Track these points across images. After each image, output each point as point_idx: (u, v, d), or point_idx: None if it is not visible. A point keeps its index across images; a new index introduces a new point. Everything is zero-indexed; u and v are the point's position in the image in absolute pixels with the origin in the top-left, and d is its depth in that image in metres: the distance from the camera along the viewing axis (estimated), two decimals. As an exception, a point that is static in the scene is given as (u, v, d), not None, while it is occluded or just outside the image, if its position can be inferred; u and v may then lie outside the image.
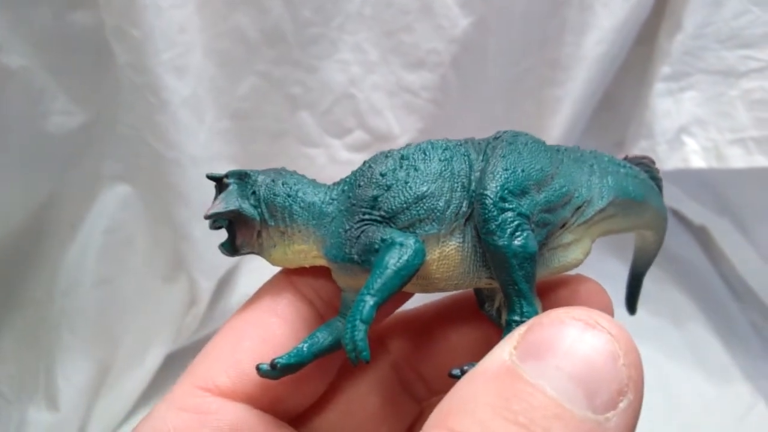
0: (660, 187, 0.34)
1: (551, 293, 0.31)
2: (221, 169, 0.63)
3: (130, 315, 0.69)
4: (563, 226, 0.28)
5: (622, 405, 0.20)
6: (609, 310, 0.31)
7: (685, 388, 0.69)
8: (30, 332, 0.68)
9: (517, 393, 0.20)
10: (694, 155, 0.60)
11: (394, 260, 0.25)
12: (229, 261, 0.67)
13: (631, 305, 0.39)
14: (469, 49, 0.60)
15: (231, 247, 0.30)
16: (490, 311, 0.31)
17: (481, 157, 0.28)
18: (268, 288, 0.31)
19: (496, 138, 0.29)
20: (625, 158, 0.33)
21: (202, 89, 0.59)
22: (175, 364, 0.69)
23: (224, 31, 0.59)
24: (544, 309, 0.30)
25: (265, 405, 0.28)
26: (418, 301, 0.35)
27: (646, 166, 0.33)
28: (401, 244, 0.25)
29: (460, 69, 0.61)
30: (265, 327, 0.29)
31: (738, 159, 0.59)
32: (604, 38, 0.60)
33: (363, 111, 0.63)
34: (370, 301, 0.24)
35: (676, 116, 0.60)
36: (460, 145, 0.29)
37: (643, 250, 0.37)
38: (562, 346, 0.21)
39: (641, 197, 0.32)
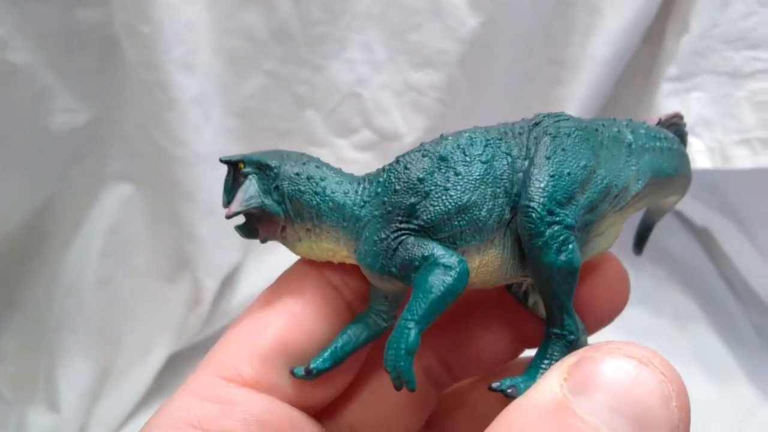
0: (684, 140, 0.33)
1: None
2: (226, 168, 0.63)
3: (132, 315, 0.68)
4: (602, 218, 0.28)
5: None
6: (624, 298, 0.31)
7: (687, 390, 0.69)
8: (31, 333, 0.67)
9: (571, 429, 0.20)
10: (700, 155, 0.60)
11: (438, 284, 0.24)
12: (234, 260, 0.66)
13: (639, 248, 0.38)
14: (477, 49, 0.61)
15: (249, 232, 0.29)
16: (518, 292, 0.31)
17: (523, 154, 0.27)
18: (293, 273, 0.30)
19: (536, 124, 0.28)
20: (659, 122, 0.32)
21: (210, 87, 0.59)
22: (177, 364, 0.69)
23: (232, 28, 0.59)
24: None
25: (290, 397, 0.28)
26: None
27: (676, 125, 0.32)
28: (446, 266, 0.24)
29: (468, 68, 0.61)
30: (290, 314, 0.28)
31: (744, 160, 0.59)
32: (612, 40, 0.61)
33: (370, 110, 0.63)
34: (414, 329, 0.23)
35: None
36: (500, 139, 0.27)
37: (662, 207, 0.36)
38: (616, 384, 0.20)
39: (674, 171, 0.31)
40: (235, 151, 0.65)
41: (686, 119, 0.32)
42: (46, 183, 0.63)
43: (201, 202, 0.62)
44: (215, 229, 0.63)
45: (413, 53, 0.61)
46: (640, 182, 0.28)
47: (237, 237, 0.70)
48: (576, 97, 0.64)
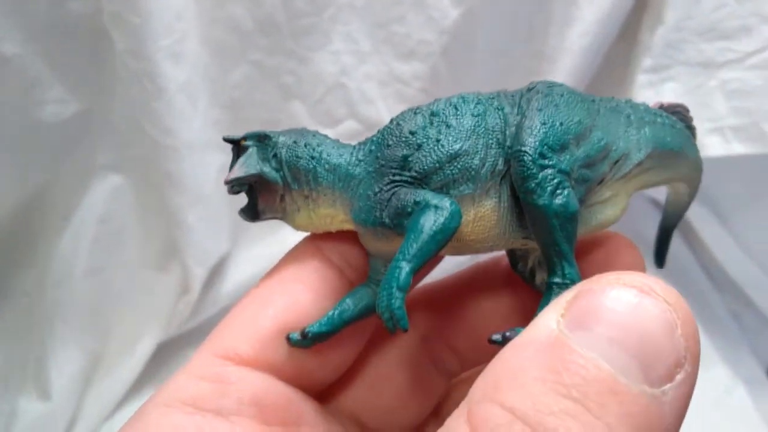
0: (694, 136, 0.33)
1: (582, 253, 0.30)
2: (214, 157, 0.64)
3: (122, 305, 0.69)
4: (601, 181, 0.27)
5: (678, 378, 0.19)
6: (642, 270, 0.30)
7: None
8: (21, 322, 0.67)
9: (569, 366, 0.19)
10: (675, 144, 0.62)
11: (429, 224, 0.24)
12: (223, 248, 0.67)
13: (660, 260, 0.37)
14: (459, 40, 0.62)
15: (252, 212, 0.29)
16: (524, 271, 0.30)
17: (516, 111, 0.26)
18: (294, 254, 0.29)
19: (529, 89, 0.28)
20: (661, 107, 0.31)
21: (197, 77, 0.60)
22: (166, 352, 0.70)
23: (219, 19, 0.60)
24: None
25: (289, 376, 0.27)
26: (445, 270, 0.34)
27: (680, 114, 0.32)
28: (437, 207, 0.24)
29: (450, 59, 0.63)
30: (290, 294, 0.28)
31: (716, 147, 0.60)
32: (588, 31, 0.62)
33: (354, 100, 0.64)
34: (405, 267, 0.23)
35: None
36: (493, 98, 0.27)
37: (675, 204, 0.36)
38: (615, 315, 0.19)
39: (679, 148, 0.30)
40: (221, 140, 0.66)
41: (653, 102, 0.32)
42: (37, 173, 0.63)
43: (190, 191, 0.62)
44: (204, 218, 0.64)
45: (397, 44, 0.62)
46: (641, 152, 0.28)
47: (226, 225, 0.71)
48: (554, 85, 0.66)
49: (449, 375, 0.34)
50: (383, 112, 0.65)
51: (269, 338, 0.27)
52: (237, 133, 0.63)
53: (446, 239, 0.24)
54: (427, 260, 0.24)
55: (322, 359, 0.28)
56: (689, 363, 0.19)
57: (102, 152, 0.64)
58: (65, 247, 0.67)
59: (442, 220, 0.24)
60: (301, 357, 0.27)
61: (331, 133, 0.66)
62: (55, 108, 0.60)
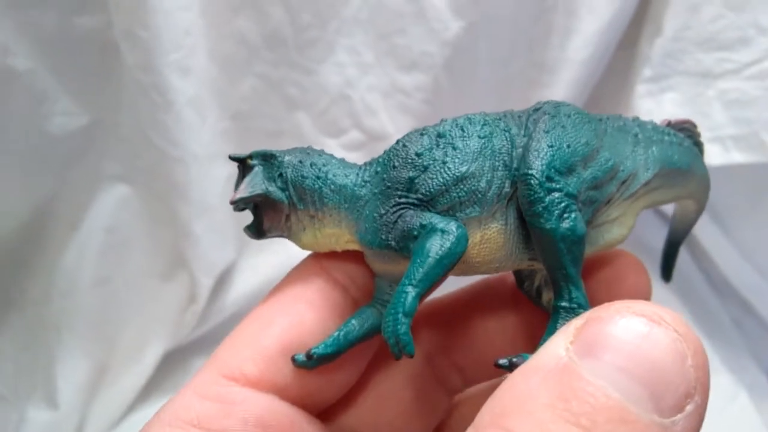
0: (702, 152, 0.33)
1: (590, 272, 0.30)
2: (221, 168, 0.65)
3: (128, 314, 0.70)
4: (609, 201, 0.27)
5: (689, 408, 0.19)
6: (648, 290, 0.30)
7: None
8: (29, 332, 0.68)
9: (578, 393, 0.18)
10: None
11: (435, 248, 0.24)
12: (229, 258, 0.68)
13: (667, 274, 0.38)
14: (460, 52, 0.63)
15: (258, 230, 0.29)
16: (530, 290, 0.30)
17: (522, 132, 0.26)
18: (298, 273, 0.29)
19: (536, 110, 0.28)
20: (668, 124, 0.31)
21: (205, 90, 0.61)
22: (173, 361, 0.70)
23: (227, 34, 0.61)
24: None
25: (293, 396, 0.27)
26: (450, 283, 0.33)
27: (688, 131, 0.32)
28: (443, 231, 0.24)
29: (452, 71, 0.64)
30: (295, 314, 0.28)
31: (716, 156, 0.61)
32: (589, 42, 0.63)
33: (358, 111, 0.65)
34: (412, 292, 0.23)
35: (657, 117, 0.62)
36: (499, 119, 0.27)
37: (683, 220, 0.36)
38: (625, 344, 0.19)
39: (687, 166, 0.30)
40: (229, 151, 0.67)
41: (661, 119, 0.32)
42: (45, 184, 0.65)
43: (196, 202, 0.63)
44: (210, 228, 0.64)
45: (399, 56, 0.63)
46: (649, 171, 0.28)
47: (231, 235, 0.72)
48: (557, 99, 0.66)
49: (453, 392, 0.34)
50: (386, 122, 0.66)
51: (274, 359, 0.27)
52: (244, 144, 0.64)
53: (453, 263, 0.24)
54: (434, 284, 0.24)
55: (326, 379, 0.28)
56: (699, 394, 0.19)
57: (109, 163, 0.65)
58: (73, 257, 0.68)
59: (448, 244, 0.24)
60: (304, 377, 0.27)
61: (335, 143, 0.68)
62: (63, 120, 0.61)
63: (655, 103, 0.64)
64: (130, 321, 0.70)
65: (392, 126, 0.66)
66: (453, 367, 0.33)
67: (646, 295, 0.30)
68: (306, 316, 0.28)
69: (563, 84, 0.66)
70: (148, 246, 0.69)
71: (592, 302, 0.28)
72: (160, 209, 0.66)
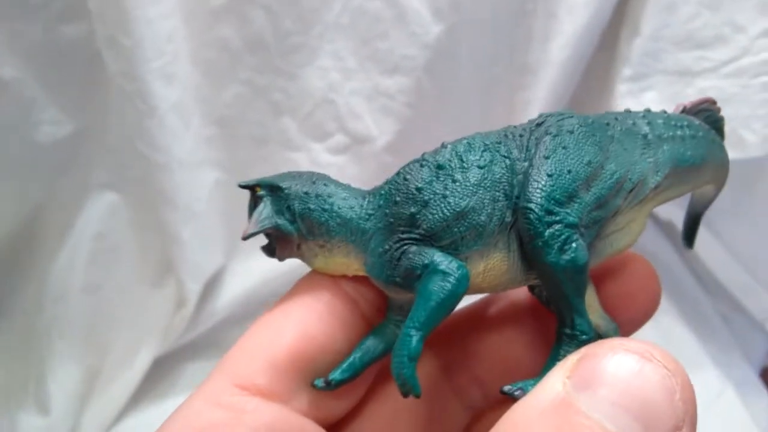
0: (721, 130, 0.32)
1: (602, 282, 0.30)
2: (207, 174, 0.65)
3: (118, 320, 0.70)
4: (615, 213, 0.27)
5: None
6: (658, 298, 0.31)
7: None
8: (20, 339, 0.69)
9: (575, 426, 0.19)
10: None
11: (437, 290, 0.24)
12: (217, 263, 0.68)
13: (689, 241, 0.37)
14: (442, 55, 0.64)
15: (272, 253, 0.29)
16: (540, 295, 0.30)
17: (523, 155, 0.26)
18: (309, 282, 0.29)
19: (539, 125, 0.27)
20: (683, 110, 0.30)
21: (189, 96, 0.61)
22: (164, 367, 0.71)
23: (209, 40, 0.62)
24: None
25: (304, 409, 0.27)
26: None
27: (706, 110, 0.31)
28: (444, 273, 0.24)
29: (434, 74, 0.64)
30: (305, 325, 0.27)
31: (697, 154, 0.62)
32: (568, 43, 0.64)
33: (343, 115, 0.66)
34: (416, 335, 0.24)
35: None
36: (499, 143, 0.27)
37: (701, 200, 0.35)
38: (618, 379, 0.20)
39: (700, 160, 0.29)
40: (214, 157, 0.68)
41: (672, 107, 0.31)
42: (33, 193, 0.65)
43: (183, 208, 0.64)
44: (197, 234, 0.65)
45: (381, 60, 0.64)
46: (659, 174, 0.27)
47: (220, 240, 0.72)
48: (539, 101, 0.67)
49: (472, 408, 0.33)
50: (371, 125, 0.66)
51: (286, 370, 0.27)
52: (231, 150, 0.64)
53: (455, 303, 0.24)
54: (438, 324, 0.24)
55: (338, 393, 0.28)
56: (687, 426, 0.20)
57: (97, 171, 0.66)
58: (62, 264, 0.68)
59: (449, 287, 0.24)
60: (316, 391, 0.27)
61: (321, 147, 0.68)
62: (50, 129, 0.62)
63: (636, 103, 0.64)
64: (120, 327, 0.70)
65: (376, 129, 0.66)
66: (472, 379, 0.33)
67: (656, 300, 0.31)
68: (316, 328, 0.28)
69: (545, 85, 0.66)
70: (137, 253, 0.70)
71: (608, 312, 0.29)
72: (148, 216, 0.66)
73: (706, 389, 0.70)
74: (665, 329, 0.77)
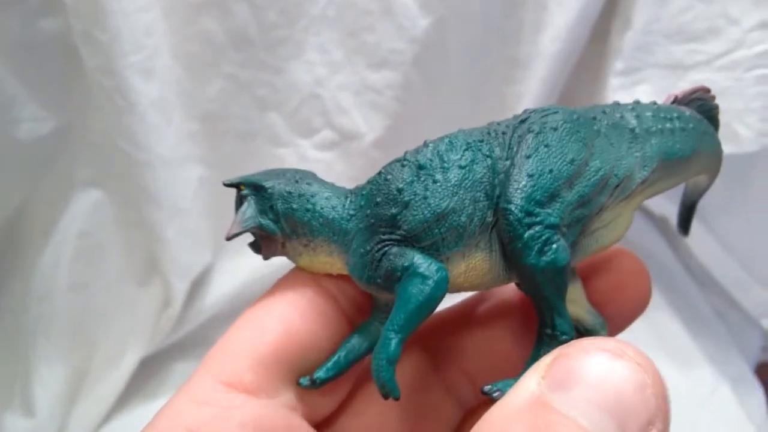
0: (715, 119, 0.31)
1: (590, 277, 0.30)
2: (191, 170, 0.64)
3: (105, 319, 0.69)
4: (600, 210, 0.26)
5: None
6: (647, 293, 0.31)
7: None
8: (5, 340, 0.68)
9: (550, 424, 0.20)
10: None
11: (416, 294, 0.24)
12: (203, 262, 0.68)
13: (685, 228, 0.37)
14: (430, 49, 0.62)
15: (259, 250, 0.30)
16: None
17: (506, 154, 0.26)
18: (290, 280, 0.30)
19: (522, 121, 0.27)
20: (675, 100, 0.30)
21: (169, 92, 0.60)
22: (150, 367, 0.70)
23: (191, 34, 0.60)
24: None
25: (291, 405, 0.27)
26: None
27: (699, 99, 0.30)
28: (423, 276, 0.24)
29: (422, 68, 0.63)
30: (288, 320, 0.28)
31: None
32: (558, 36, 0.63)
33: (330, 110, 0.65)
34: (395, 338, 0.24)
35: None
36: (482, 141, 0.26)
37: (695, 187, 0.35)
38: (591, 377, 0.20)
39: (690, 152, 0.29)
40: (198, 153, 0.67)
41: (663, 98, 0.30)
42: (17, 191, 0.64)
43: (167, 206, 0.63)
44: (183, 232, 0.64)
45: (368, 54, 0.63)
46: (646, 169, 0.27)
47: (206, 239, 0.71)
48: (530, 94, 0.66)
49: (463, 403, 0.33)
50: (358, 121, 0.65)
51: (271, 366, 0.27)
52: (215, 146, 0.63)
53: (434, 306, 0.25)
54: (418, 326, 0.24)
55: (324, 389, 0.28)
56: (660, 421, 0.20)
57: (80, 168, 0.65)
58: (46, 263, 0.67)
59: (428, 290, 0.24)
60: (300, 387, 0.28)
61: (308, 143, 0.67)
62: (31, 126, 0.60)
63: (628, 96, 0.63)
64: (106, 326, 0.69)
65: (364, 124, 0.65)
66: (463, 375, 0.33)
67: (646, 295, 0.31)
68: (298, 325, 0.28)
69: (536, 79, 0.65)
70: (122, 251, 0.69)
71: (595, 307, 0.29)
72: (133, 214, 0.65)
73: (701, 386, 0.70)
74: (659, 326, 0.77)
